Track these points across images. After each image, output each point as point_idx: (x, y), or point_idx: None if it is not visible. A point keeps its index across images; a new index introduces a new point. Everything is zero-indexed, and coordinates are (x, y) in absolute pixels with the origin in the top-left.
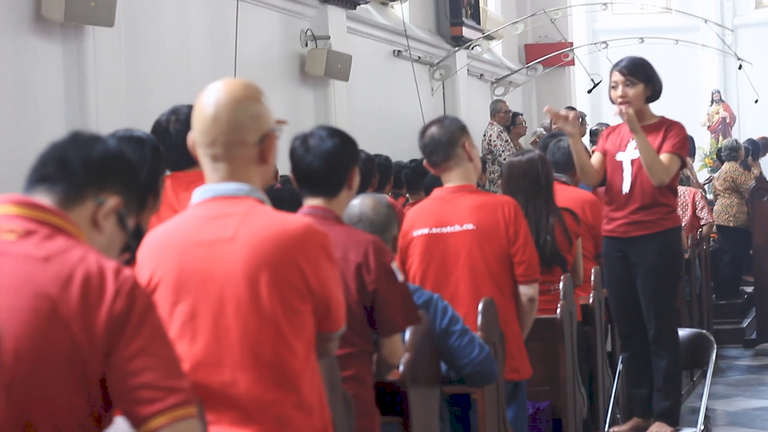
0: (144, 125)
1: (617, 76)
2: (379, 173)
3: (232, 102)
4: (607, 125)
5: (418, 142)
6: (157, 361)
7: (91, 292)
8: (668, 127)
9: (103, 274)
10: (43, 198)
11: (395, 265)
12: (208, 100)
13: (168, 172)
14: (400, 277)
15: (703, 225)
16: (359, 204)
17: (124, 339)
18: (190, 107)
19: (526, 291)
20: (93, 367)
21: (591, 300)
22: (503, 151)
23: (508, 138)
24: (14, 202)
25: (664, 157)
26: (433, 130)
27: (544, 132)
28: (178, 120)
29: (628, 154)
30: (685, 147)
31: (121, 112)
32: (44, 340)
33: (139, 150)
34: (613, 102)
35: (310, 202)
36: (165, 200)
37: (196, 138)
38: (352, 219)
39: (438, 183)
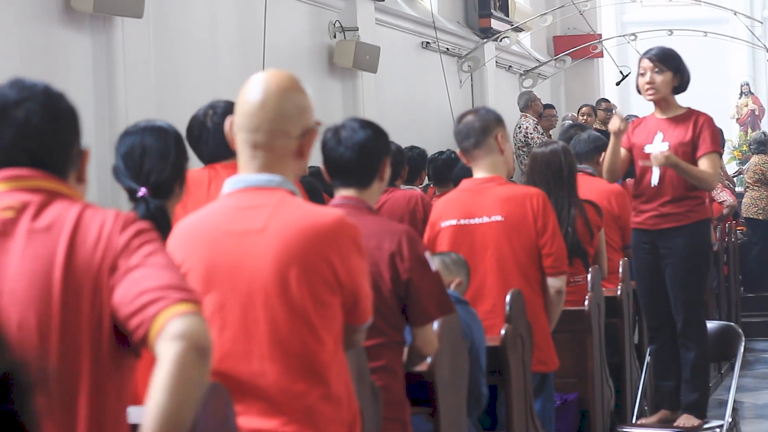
0: (173, 116)
1: (646, 63)
2: (413, 165)
3: (281, 91)
4: (636, 117)
5: (454, 128)
6: (157, 271)
7: (99, 246)
8: (697, 120)
9: (104, 222)
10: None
11: (429, 255)
12: (256, 87)
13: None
14: (434, 267)
15: (726, 206)
16: None
17: (124, 255)
18: (227, 102)
19: (554, 283)
20: (107, 308)
21: (619, 292)
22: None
23: (544, 130)
24: (1, 179)
25: (705, 160)
26: (469, 117)
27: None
28: (216, 113)
29: (656, 147)
30: (719, 140)
31: (150, 102)
32: (68, 312)
33: (162, 139)
34: (639, 91)
35: (342, 193)
36: (199, 190)
37: (238, 123)
38: None
39: (466, 175)
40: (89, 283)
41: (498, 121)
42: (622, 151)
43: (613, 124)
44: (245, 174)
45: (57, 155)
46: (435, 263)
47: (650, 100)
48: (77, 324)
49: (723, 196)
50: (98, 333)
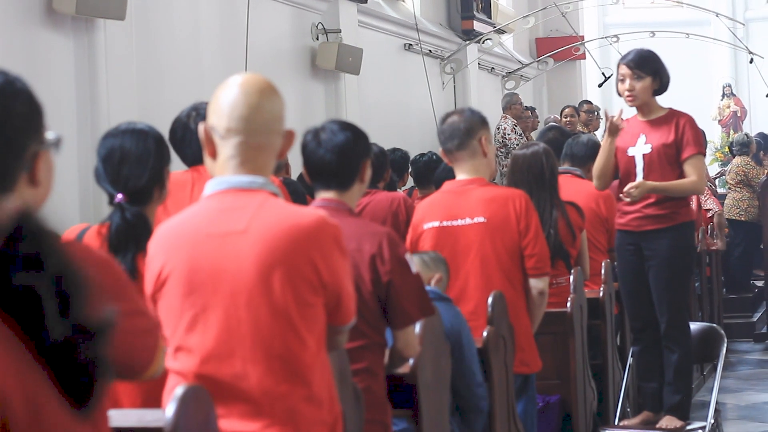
0: (155, 118)
1: (624, 70)
2: (396, 168)
3: (262, 92)
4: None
5: (438, 128)
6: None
7: None
8: (678, 121)
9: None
10: None
11: (410, 257)
12: (236, 89)
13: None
14: (414, 269)
15: (712, 215)
16: None
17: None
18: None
19: (536, 284)
20: None
21: (601, 294)
22: (517, 145)
23: (522, 132)
24: None
25: (689, 163)
26: (454, 118)
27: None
28: (199, 115)
29: (639, 149)
30: (702, 141)
31: (133, 105)
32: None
33: (142, 142)
34: (620, 95)
35: (323, 195)
36: (182, 193)
37: (218, 124)
38: None
39: (448, 177)
40: None
41: (483, 122)
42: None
43: (613, 125)
44: (226, 176)
45: (4, 160)
46: (414, 262)
47: (631, 106)
48: None
49: (710, 203)
50: None
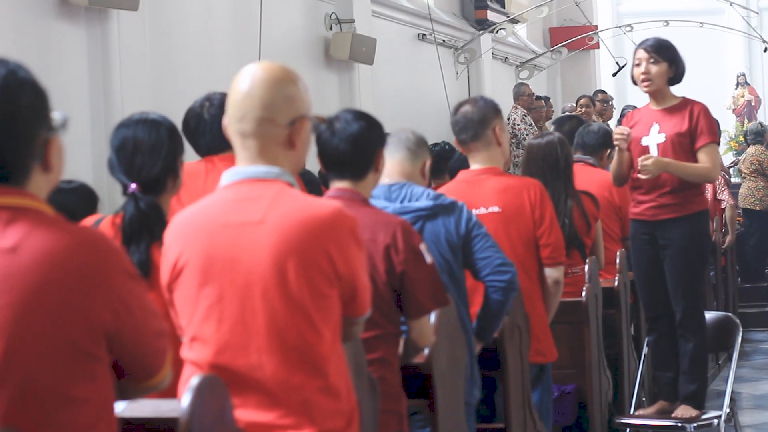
0: (169, 108)
1: (642, 54)
2: None
3: (267, 80)
4: (635, 107)
5: (451, 119)
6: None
7: (65, 272)
8: (692, 109)
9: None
10: None
11: (424, 247)
12: (245, 77)
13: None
14: (429, 259)
15: (725, 207)
16: (396, 132)
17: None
18: (223, 94)
19: (551, 273)
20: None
21: (616, 283)
22: (527, 135)
23: (532, 122)
24: None
25: (704, 152)
26: (467, 108)
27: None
28: (212, 105)
29: (653, 138)
30: (716, 130)
31: (146, 95)
32: (38, 334)
33: (155, 132)
34: (634, 82)
35: (337, 185)
36: (195, 183)
37: (229, 113)
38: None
39: (463, 166)
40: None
41: (496, 111)
42: (627, 156)
43: (621, 144)
44: (242, 166)
45: (12, 150)
46: (399, 154)
47: (646, 91)
48: None
49: (724, 195)
50: None
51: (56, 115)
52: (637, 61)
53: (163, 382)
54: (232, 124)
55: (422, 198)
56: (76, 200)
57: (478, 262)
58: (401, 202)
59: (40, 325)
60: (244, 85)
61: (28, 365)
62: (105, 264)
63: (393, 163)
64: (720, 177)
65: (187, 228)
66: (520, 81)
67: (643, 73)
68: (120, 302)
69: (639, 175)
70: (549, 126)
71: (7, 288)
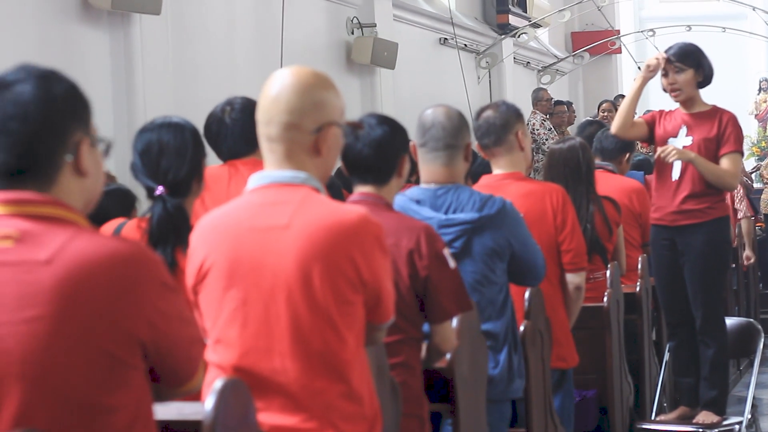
0: (190, 112)
1: (667, 64)
2: None
3: (295, 85)
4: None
5: (473, 124)
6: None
7: (101, 285)
8: (722, 117)
9: (105, 260)
10: (25, 191)
11: (447, 252)
12: (275, 81)
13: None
14: (452, 264)
15: (740, 219)
16: (432, 112)
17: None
18: (244, 98)
19: (573, 279)
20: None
21: (638, 289)
22: (547, 140)
23: (552, 126)
24: (2, 201)
25: (727, 158)
26: (489, 113)
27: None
28: (234, 109)
29: (680, 141)
30: (742, 140)
31: (168, 99)
32: (73, 346)
33: (180, 135)
34: (665, 90)
35: (360, 190)
36: (219, 187)
37: (258, 117)
38: (425, 125)
39: (485, 171)
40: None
41: (518, 116)
42: (641, 122)
43: (650, 65)
44: (269, 170)
45: (47, 141)
46: (437, 160)
47: (677, 101)
48: None
49: (741, 205)
50: None
51: (101, 135)
52: (663, 71)
53: (196, 386)
54: (260, 127)
55: (468, 206)
56: (113, 202)
57: (530, 269)
58: (446, 211)
59: (76, 336)
60: (273, 89)
61: (64, 376)
62: (140, 277)
63: (434, 167)
64: (740, 186)
65: (213, 231)
66: (539, 86)
67: (670, 83)
68: (156, 314)
69: (661, 155)
70: (572, 131)
71: (42, 300)
